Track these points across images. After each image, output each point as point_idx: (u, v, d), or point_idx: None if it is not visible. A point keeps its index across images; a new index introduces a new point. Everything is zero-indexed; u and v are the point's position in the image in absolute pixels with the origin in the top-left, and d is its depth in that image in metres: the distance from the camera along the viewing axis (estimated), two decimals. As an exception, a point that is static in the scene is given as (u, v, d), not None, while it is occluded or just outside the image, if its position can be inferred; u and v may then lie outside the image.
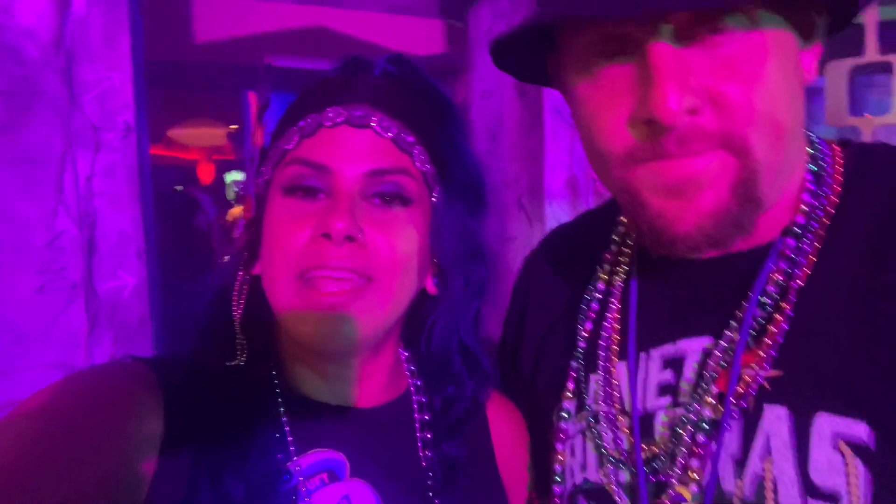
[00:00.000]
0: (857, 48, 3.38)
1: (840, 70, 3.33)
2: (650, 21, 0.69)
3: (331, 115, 0.81)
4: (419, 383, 0.91)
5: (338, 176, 0.79)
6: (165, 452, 0.74)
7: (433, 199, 0.86)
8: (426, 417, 0.89)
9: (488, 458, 0.93)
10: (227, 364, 0.81)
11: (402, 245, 0.81)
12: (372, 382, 0.87)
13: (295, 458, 0.80)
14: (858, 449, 0.69)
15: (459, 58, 4.34)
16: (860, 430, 0.69)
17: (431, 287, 0.88)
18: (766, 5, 0.70)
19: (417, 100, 0.86)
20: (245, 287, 0.85)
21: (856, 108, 3.38)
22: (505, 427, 0.96)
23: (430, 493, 0.85)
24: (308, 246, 0.78)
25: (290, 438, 0.81)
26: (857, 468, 0.69)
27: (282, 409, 0.82)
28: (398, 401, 0.90)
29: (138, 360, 0.82)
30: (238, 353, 0.82)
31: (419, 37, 5.42)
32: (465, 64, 4.04)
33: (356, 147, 0.81)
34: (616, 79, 0.73)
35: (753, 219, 0.75)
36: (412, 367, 0.92)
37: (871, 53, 3.26)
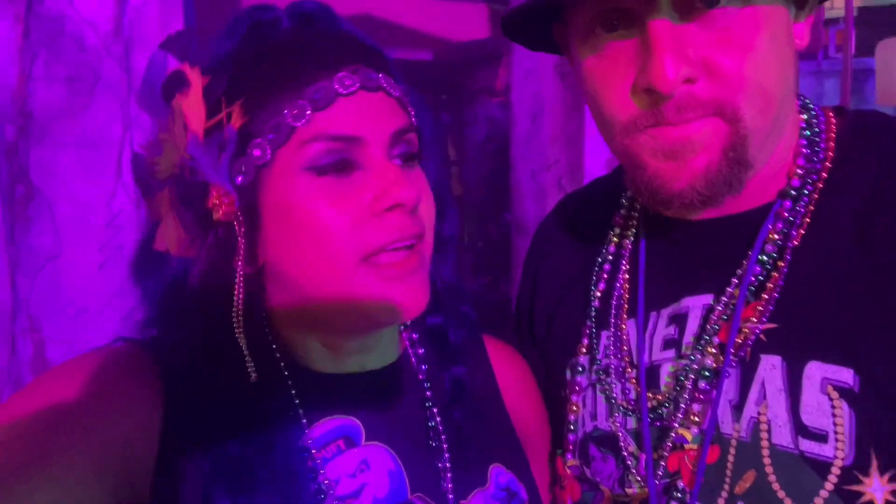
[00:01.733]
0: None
1: (891, 49, 3.25)
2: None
3: (346, 81, 0.75)
4: (415, 337, 0.91)
5: (371, 144, 0.76)
6: (168, 443, 0.73)
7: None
8: (424, 367, 0.89)
9: (495, 397, 0.94)
10: (229, 349, 0.77)
11: (431, 199, 0.82)
12: (380, 346, 0.87)
13: (307, 430, 0.79)
14: (844, 392, 0.75)
15: (502, 42, 4.35)
16: (846, 375, 0.75)
17: None
18: None
19: (380, 52, 0.83)
20: (242, 283, 0.77)
21: (907, 87, 3.30)
22: (508, 369, 0.98)
23: (440, 450, 0.84)
24: (369, 224, 0.75)
25: (300, 411, 0.79)
26: (843, 409, 0.74)
27: (289, 383, 0.80)
28: (400, 358, 0.90)
29: (136, 343, 0.79)
30: (247, 363, 0.77)
31: (464, 21, 5.43)
32: (507, 47, 4.06)
33: (378, 111, 0.77)
34: (619, 51, 0.79)
35: (742, 179, 0.81)
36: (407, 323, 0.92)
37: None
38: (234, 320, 0.77)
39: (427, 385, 0.88)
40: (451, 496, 0.83)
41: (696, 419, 0.82)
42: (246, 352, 0.77)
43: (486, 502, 0.85)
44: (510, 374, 0.98)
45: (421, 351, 0.90)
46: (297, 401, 0.80)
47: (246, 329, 0.77)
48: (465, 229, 4.98)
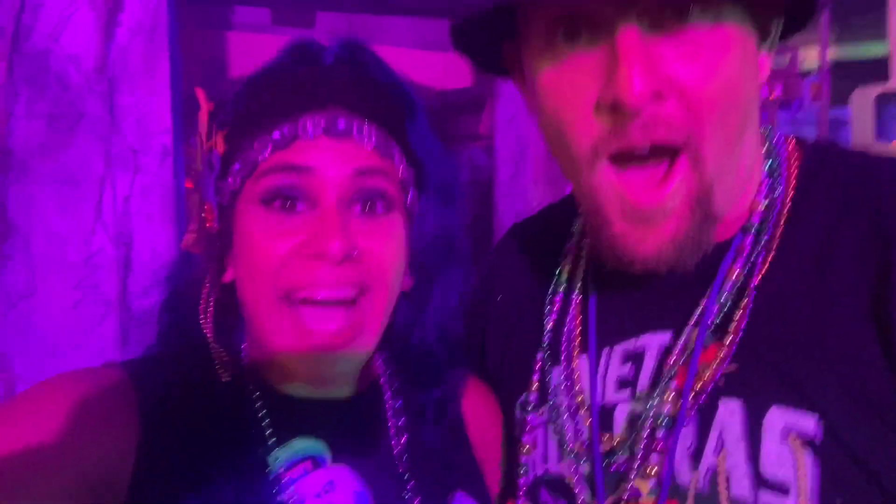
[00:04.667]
0: (882, 75, 3.39)
1: (866, 97, 3.33)
2: (620, 3, 0.70)
3: (309, 126, 0.76)
4: (390, 372, 0.91)
5: (321, 179, 0.76)
6: (142, 460, 0.73)
7: (408, 201, 0.84)
8: (398, 405, 0.88)
9: (462, 440, 0.92)
10: (202, 370, 0.80)
11: (391, 253, 0.80)
12: (346, 376, 0.87)
13: (276, 450, 0.79)
14: (807, 442, 0.70)
15: (485, 89, 4.42)
16: (809, 422, 0.70)
17: (407, 283, 0.86)
18: (732, 0, 0.73)
19: (387, 97, 0.82)
20: (212, 300, 0.82)
21: (882, 135, 3.37)
22: (481, 409, 0.96)
23: (406, 476, 0.84)
24: (293, 264, 0.75)
25: (269, 431, 0.79)
26: (806, 460, 0.70)
27: (258, 405, 0.81)
28: (369, 389, 0.89)
29: (113, 365, 0.80)
30: (217, 367, 0.80)
31: (447, 70, 5.53)
32: (491, 93, 4.12)
33: (339, 153, 0.77)
34: (582, 63, 0.74)
35: (711, 237, 0.77)
36: (383, 357, 0.91)
37: (897, 80, 3.27)
38: (203, 329, 0.80)
39: (396, 412, 0.88)
40: None
41: (653, 470, 0.77)
42: (218, 356, 0.80)
43: None
44: (477, 406, 0.95)
45: (396, 385, 0.90)
46: (265, 421, 0.80)
47: (218, 342, 0.81)
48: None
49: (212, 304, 0.82)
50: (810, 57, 4.65)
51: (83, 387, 0.74)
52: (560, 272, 0.94)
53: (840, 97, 4.12)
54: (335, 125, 0.77)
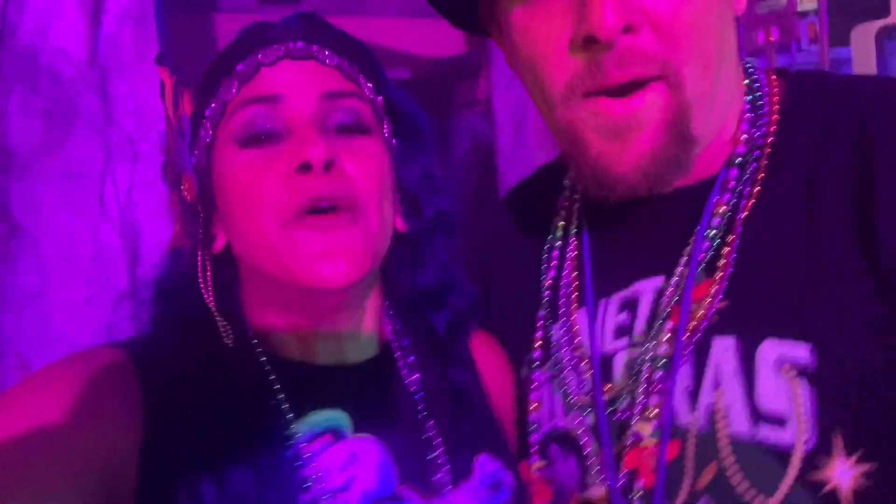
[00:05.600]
0: (883, 13, 3.33)
1: (866, 33, 3.28)
2: None
3: (269, 52, 0.77)
4: (399, 327, 0.89)
5: (293, 104, 0.76)
6: (151, 445, 0.70)
7: (385, 132, 0.83)
8: (410, 360, 0.87)
9: (481, 395, 0.92)
10: (208, 345, 0.77)
11: (375, 172, 0.78)
12: (358, 336, 0.85)
13: (294, 424, 0.77)
14: (801, 370, 0.70)
15: (480, 54, 4.37)
16: (802, 351, 0.70)
17: (401, 224, 0.85)
18: None
19: (345, 38, 0.83)
20: (208, 268, 0.80)
21: (885, 71, 3.32)
22: (488, 358, 0.95)
23: (431, 441, 0.83)
24: (285, 188, 0.74)
25: (286, 405, 0.77)
26: (802, 389, 0.70)
27: (272, 378, 0.78)
28: (384, 350, 0.87)
29: (114, 345, 0.78)
30: (224, 335, 0.78)
31: (440, 39, 5.46)
32: (486, 60, 4.07)
33: (303, 74, 0.77)
34: (552, 2, 0.74)
35: (690, 156, 0.77)
36: (391, 312, 0.89)
37: (898, 14, 3.21)
38: (206, 303, 0.78)
39: (414, 377, 0.86)
40: (442, 486, 0.81)
41: (653, 413, 0.77)
42: (223, 328, 0.77)
43: (474, 491, 0.83)
44: (490, 364, 0.95)
45: (405, 343, 0.88)
46: (281, 395, 0.78)
47: (222, 315, 0.78)
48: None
49: (209, 274, 0.80)
50: (807, -3, 4.56)
51: (84, 377, 0.71)
52: (555, 228, 0.93)
53: (840, 38, 4.05)
54: (295, 48, 0.78)
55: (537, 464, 0.87)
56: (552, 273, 0.92)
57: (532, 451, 0.87)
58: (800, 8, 3.55)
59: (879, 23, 3.23)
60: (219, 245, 0.80)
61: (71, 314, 2.62)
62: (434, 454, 0.82)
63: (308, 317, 0.81)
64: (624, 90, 0.74)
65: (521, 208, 1.04)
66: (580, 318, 0.87)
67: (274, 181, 0.74)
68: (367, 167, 0.78)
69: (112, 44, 2.54)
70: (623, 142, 0.76)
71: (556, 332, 0.89)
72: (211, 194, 0.79)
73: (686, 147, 0.76)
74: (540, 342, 0.90)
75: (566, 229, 0.93)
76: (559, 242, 0.93)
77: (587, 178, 0.80)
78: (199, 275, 0.79)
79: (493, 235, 1.05)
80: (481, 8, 0.88)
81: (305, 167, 0.73)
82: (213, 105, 0.78)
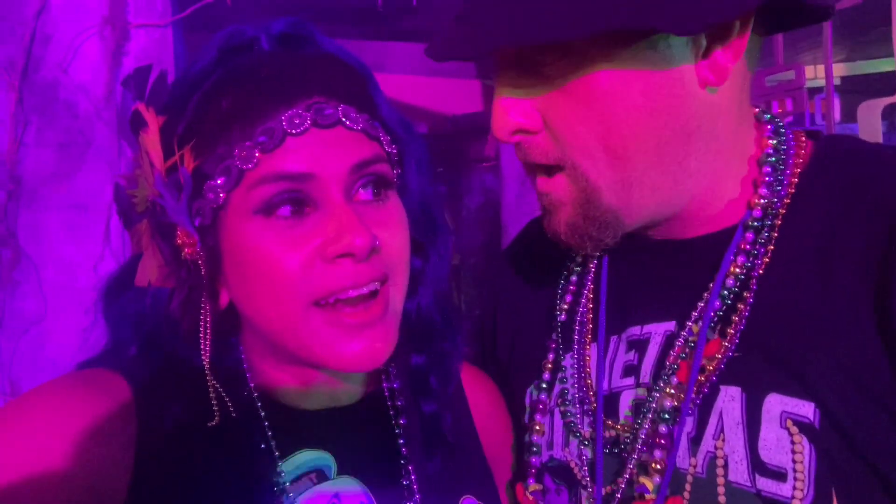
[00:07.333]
0: (891, 91, 3.36)
1: (873, 109, 3.30)
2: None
3: (296, 120, 0.72)
4: (391, 370, 0.89)
5: (324, 181, 0.72)
6: (140, 476, 0.71)
7: (396, 178, 0.83)
8: (399, 403, 0.87)
9: (469, 425, 0.92)
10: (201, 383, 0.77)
11: (403, 236, 0.78)
12: (352, 381, 0.86)
13: (280, 463, 0.77)
14: (804, 427, 0.71)
15: (493, 112, 4.45)
16: (807, 409, 0.71)
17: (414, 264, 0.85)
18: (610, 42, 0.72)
19: (349, 70, 0.80)
20: (209, 323, 0.78)
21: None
22: (480, 394, 0.95)
23: (413, 486, 0.82)
24: (318, 269, 0.72)
25: (273, 443, 0.78)
26: (803, 445, 0.70)
27: (262, 415, 0.79)
28: (374, 392, 0.88)
29: (117, 372, 0.77)
30: (214, 409, 0.77)
31: (459, 96, 5.58)
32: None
33: (333, 148, 0.73)
34: None
35: (607, 233, 0.82)
36: None
37: (903, 92, 3.24)
38: (203, 353, 0.77)
39: (400, 421, 0.86)
40: None
41: (658, 467, 0.78)
42: (214, 390, 0.77)
43: None
44: (482, 400, 0.95)
45: (396, 385, 0.88)
46: (269, 433, 0.79)
47: (219, 363, 0.77)
48: (463, 295, 4.99)
49: (209, 331, 0.77)
50: (819, 74, 4.63)
51: (77, 400, 0.72)
52: (573, 261, 0.97)
53: (851, 115, 4.09)
54: (322, 115, 0.73)
55: (533, 486, 0.90)
56: (569, 300, 0.95)
57: (530, 472, 0.89)
58: (808, 84, 3.59)
59: (886, 100, 3.26)
60: (223, 303, 0.78)
61: (66, 342, 2.63)
62: (413, 499, 0.82)
63: (312, 377, 0.82)
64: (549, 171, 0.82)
65: (540, 238, 1.06)
66: (592, 352, 0.90)
67: (305, 260, 0.72)
68: (398, 235, 0.78)
69: (128, 82, 2.63)
70: (550, 216, 0.86)
71: (568, 361, 0.92)
72: (217, 256, 0.76)
73: (600, 227, 0.81)
74: (551, 366, 0.93)
75: (584, 263, 0.96)
76: (575, 276, 0.97)
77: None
78: (201, 327, 0.77)
79: (508, 261, 1.09)
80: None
81: (349, 255, 0.72)
82: (224, 170, 0.73)
